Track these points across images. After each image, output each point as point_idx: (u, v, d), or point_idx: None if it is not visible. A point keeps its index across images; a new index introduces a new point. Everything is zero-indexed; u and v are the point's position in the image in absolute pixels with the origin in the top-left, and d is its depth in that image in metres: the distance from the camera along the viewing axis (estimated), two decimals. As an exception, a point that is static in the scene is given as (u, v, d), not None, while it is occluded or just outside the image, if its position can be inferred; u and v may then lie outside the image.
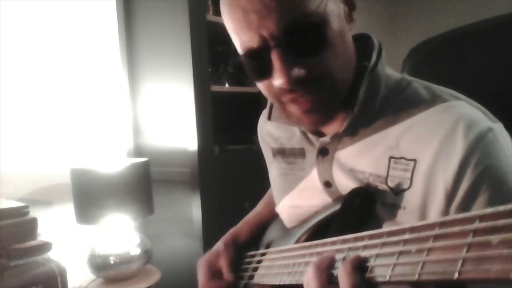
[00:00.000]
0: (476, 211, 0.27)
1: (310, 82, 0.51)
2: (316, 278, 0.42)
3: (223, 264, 0.73)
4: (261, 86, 0.56)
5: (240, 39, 0.52)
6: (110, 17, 1.57)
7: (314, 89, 0.52)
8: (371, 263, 0.37)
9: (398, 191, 0.52)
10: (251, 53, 0.52)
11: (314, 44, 0.50)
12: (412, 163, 0.52)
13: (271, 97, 0.57)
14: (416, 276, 0.29)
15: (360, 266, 0.38)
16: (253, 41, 0.50)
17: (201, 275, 0.75)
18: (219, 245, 0.77)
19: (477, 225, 0.26)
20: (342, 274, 0.38)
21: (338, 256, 0.42)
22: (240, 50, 0.54)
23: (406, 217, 0.51)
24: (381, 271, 0.35)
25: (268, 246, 0.74)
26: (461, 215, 0.28)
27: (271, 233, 0.77)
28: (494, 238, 0.24)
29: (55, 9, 1.40)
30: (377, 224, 0.53)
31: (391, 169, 0.53)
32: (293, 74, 0.50)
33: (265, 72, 0.52)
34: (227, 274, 0.72)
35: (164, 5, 1.47)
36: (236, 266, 0.74)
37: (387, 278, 0.33)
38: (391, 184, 0.53)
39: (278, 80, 0.50)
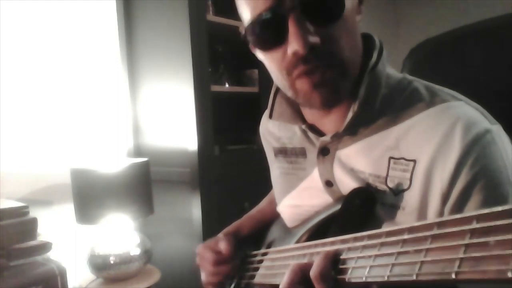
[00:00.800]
0: (473, 211, 0.27)
1: (323, 54, 0.50)
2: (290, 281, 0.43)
3: (223, 247, 0.72)
4: (270, 59, 0.55)
5: (253, 5, 0.51)
6: (110, 17, 1.57)
7: (326, 63, 0.51)
8: (370, 263, 0.37)
9: (397, 192, 0.52)
10: (264, 18, 0.50)
11: (331, 11, 0.50)
12: (411, 163, 0.52)
13: (281, 72, 0.54)
14: (414, 277, 0.29)
15: (334, 260, 0.40)
16: (268, 6, 0.49)
17: (201, 261, 0.75)
18: (220, 234, 0.77)
19: (474, 225, 0.26)
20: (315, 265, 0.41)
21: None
22: (250, 17, 0.52)
23: (405, 218, 0.51)
24: (379, 272, 0.35)
25: (269, 246, 0.74)
26: (459, 216, 0.28)
27: (273, 233, 0.78)
28: (491, 239, 0.24)
29: (55, 9, 1.40)
30: (377, 225, 0.53)
31: (391, 170, 0.53)
32: (309, 40, 0.48)
33: (278, 38, 0.51)
34: (225, 249, 0.72)
35: (164, 5, 1.47)
36: (235, 251, 0.74)
37: (385, 278, 0.33)
38: (390, 185, 0.53)
39: (293, 45, 0.49)
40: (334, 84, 0.53)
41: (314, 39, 0.49)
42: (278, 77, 0.57)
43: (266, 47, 0.54)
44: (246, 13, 0.53)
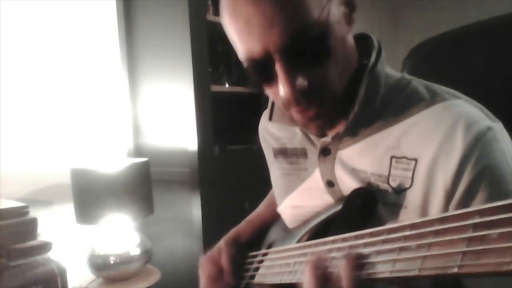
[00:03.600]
0: (475, 207, 0.28)
1: (313, 93, 0.51)
2: (314, 277, 0.42)
3: (224, 262, 0.73)
4: (267, 91, 0.57)
5: (242, 48, 0.52)
6: (110, 17, 1.57)
7: (318, 101, 0.53)
8: (372, 259, 0.37)
9: (399, 191, 0.52)
10: (254, 63, 0.51)
11: (318, 55, 0.50)
12: (413, 162, 0.52)
13: (278, 103, 0.57)
14: (417, 271, 0.30)
15: (360, 263, 0.38)
16: (255, 52, 0.50)
17: (203, 275, 0.75)
18: (220, 243, 0.77)
19: (476, 220, 0.26)
20: (342, 271, 0.38)
21: (338, 254, 0.42)
22: (241, 56, 0.54)
23: (408, 217, 0.51)
24: (382, 267, 0.35)
25: (269, 246, 0.74)
26: (461, 211, 0.29)
27: (273, 233, 0.77)
28: (494, 232, 0.24)
29: (55, 9, 1.40)
30: (379, 224, 0.53)
31: (393, 169, 0.53)
32: (297, 85, 0.50)
33: (269, 80, 0.52)
34: (227, 274, 0.72)
35: (164, 5, 1.48)
36: (237, 265, 0.74)
37: (388, 274, 0.33)
38: (392, 184, 0.53)
39: (282, 92, 0.50)
40: (328, 115, 0.56)
41: (301, 83, 0.50)
42: (277, 104, 0.60)
43: (260, 84, 0.55)
44: (237, 51, 0.54)
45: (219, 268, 0.73)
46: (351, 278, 0.38)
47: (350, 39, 0.57)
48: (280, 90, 0.51)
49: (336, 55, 0.51)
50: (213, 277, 0.73)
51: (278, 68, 0.49)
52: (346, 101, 0.56)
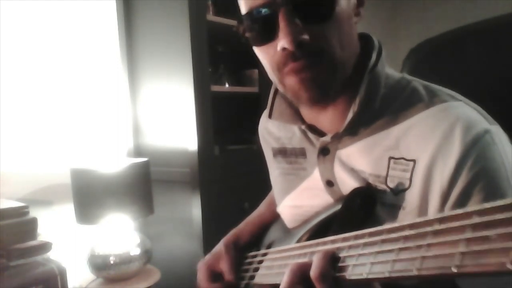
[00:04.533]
0: (474, 206, 0.28)
1: (313, 51, 0.51)
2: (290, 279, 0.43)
3: (224, 265, 0.73)
4: (263, 53, 0.56)
5: None
6: (110, 17, 1.57)
7: (316, 60, 0.52)
8: (371, 259, 0.37)
9: (397, 191, 0.53)
10: (256, 12, 0.51)
11: (322, 10, 0.50)
12: (411, 163, 0.52)
13: (272, 67, 0.56)
14: (415, 272, 0.30)
15: (333, 258, 0.40)
16: None
17: (202, 277, 0.75)
18: (220, 246, 0.77)
19: (475, 220, 0.26)
20: (313, 267, 0.41)
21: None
22: (244, 8, 0.54)
23: (406, 218, 0.52)
24: (381, 268, 0.35)
25: (269, 246, 0.74)
26: (460, 210, 0.29)
27: (273, 233, 0.77)
28: (492, 232, 0.24)
29: (55, 9, 1.40)
30: (378, 224, 0.53)
31: (391, 169, 0.54)
32: (298, 37, 0.49)
33: (270, 34, 0.52)
34: (228, 275, 0.72)
35: (164, 5, 1.48)
36: (237, 267, 0.74)
37: (387, 274, 0.33)
38: (390, 184, 0.53)
39: (282, 40, 0.50)
40: (322, 82, 0.53)
41: (303, 36, 0.50)
42: (269, 72, 0.58)
43: (258, 42, 0.55)
44: (242, 7, 0.55)
45: (218, 271, 0.73)
46: (320, 275, 0.40)
47: (356, 29, 0.57)
48: (279, 43, 0.50)
49: (339, 23, 0.51)
50: (212, 279, 0.73)
51: (281, 16, 0.49)
52: (346, 98, 0.56)
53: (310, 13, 0.50)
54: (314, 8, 0.50)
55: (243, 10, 0.54)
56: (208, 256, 0.77)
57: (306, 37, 0.50)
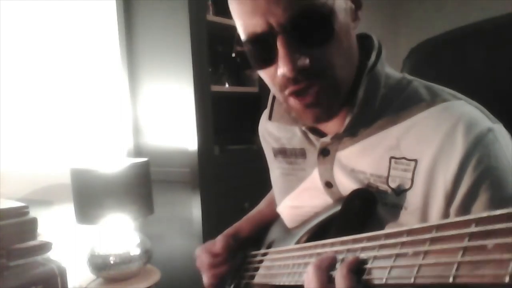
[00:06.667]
0: (472, 214, 0.27)
1: (314, 75, 0.50)
2: (316, 277, 0.42)
3: (218, 248, 0.73)
4: (264, 75, 0.55)
5: (245, 23, 0.51)
6: (110, 17, 1.57)
7: (317, 83, 0.51)
8: (368, 265, 0.37)
9: (399, 192, 0.52)
10: (255, 39, 0.51)
11: (321, 34, 0.49)
12: (413, 163, 0.51)
13: (274, 88, 0.56)
14: (412, 279, 0.29)
15: (357, 268, 0.38)
16: (258, 26, 0.49)
17: (200, 261, 0.75)
18: (218, 236, 0.77)
19: (473, 229, 0.26)
20: (338, 276, 0.38)
21: (337, 257, 0.42)
22: (243, 35, 0.53)
23: (408, 218, 0.51)
24: (378, 273, 0.35)
25: (269, 246, 0.74)
26: (458, 219, 0.28)
27: (273, 233, 0.77)
28: (490, 243, 0.24)
29: (55, 9, 1.40)
30: (379, 225, 0.53)
31: (392, 169, 0.53)
32: (298, 63, 0.49)
33: (269, 59, 0.51)
34: (220, 248, 0.72)
35: (164, 5, 1.47)
36: (231, 253, 0.74)
37: (384, 280, 0.33)
38: (392, 185, 0.53)
39: (282, 68, 0.49)
40: (327, 103, 0.53)
41: (302, 61, 0.49)
42: (273, 91, 0.58)
43: (258, 66, 0.54)
44: (241, 34, 0.54)
45: (214, 255, 0.73)
46: (347, 282, 0.37)
47: (354, 36, 0.56)
48: (279, 69, 0.50)
49: (339, 42, 0.51)
50: (208, 264, 0.73)
51: (280, 43, 0.49)
52: (346, 99, 0.56)
53: (309, 38, 0.49)
54: (314, 32, 0.49)
55: (242, 36, 0.53)
56: (205, 244, 0.78)
57: (306, 62, 0.49)
